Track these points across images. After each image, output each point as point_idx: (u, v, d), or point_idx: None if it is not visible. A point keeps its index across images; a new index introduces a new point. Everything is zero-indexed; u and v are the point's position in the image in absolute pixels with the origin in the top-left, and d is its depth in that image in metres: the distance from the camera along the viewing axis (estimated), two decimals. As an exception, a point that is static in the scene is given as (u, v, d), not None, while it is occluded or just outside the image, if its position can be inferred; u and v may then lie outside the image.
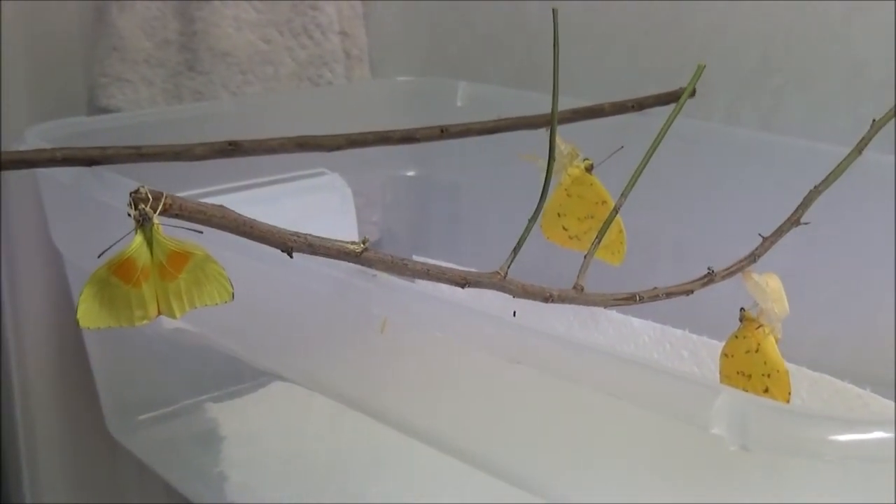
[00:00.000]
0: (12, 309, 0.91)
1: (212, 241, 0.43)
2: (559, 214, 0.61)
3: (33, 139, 0.65)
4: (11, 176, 0.84)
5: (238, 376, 0.79)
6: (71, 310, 0.42)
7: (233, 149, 0.60)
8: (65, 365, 0.94)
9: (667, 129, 0.54)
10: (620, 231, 0.60)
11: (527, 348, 0.41)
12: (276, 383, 0.78)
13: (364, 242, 0.45)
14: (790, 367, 0.51)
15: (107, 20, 0.91)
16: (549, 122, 0.54)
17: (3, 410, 0.96)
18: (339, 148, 0.63)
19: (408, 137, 0.65)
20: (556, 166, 0.59)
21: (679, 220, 0.70)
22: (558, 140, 0.59)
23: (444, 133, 0.65)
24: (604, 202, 0.60)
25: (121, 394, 0.77)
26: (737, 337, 0.53)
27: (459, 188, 0.84)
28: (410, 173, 0.84)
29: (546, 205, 0.58)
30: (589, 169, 0.60)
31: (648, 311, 0.55)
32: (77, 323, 0.42)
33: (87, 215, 0.63)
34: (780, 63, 0.72)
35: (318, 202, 0.75)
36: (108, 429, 0.80)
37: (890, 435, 0.33)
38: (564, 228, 0.62)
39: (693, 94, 0.62)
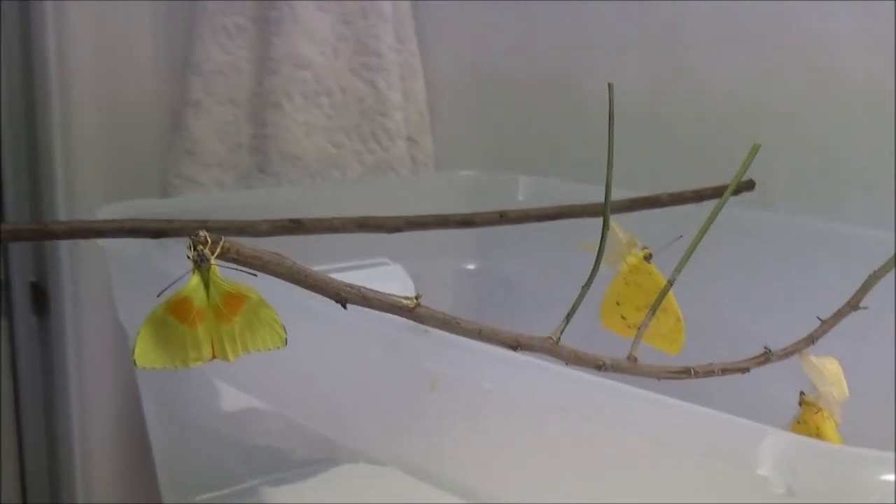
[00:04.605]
0: (79, 387, 0.92)
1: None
2: (618, 303, 0.61)
3: (104, 217, 0.67)
4: (83, 253, 0.86)
5: (298, 461, 0.79)
6: (134, 389, 0.43)
7: (295, 226, 0.62)
8: (126, 444, 0.95)
9: (716, 215, 0.54)
10: (678, 320, 0.59)
11: (577, 398, 0.41)
12: (336, 468, 0.78)
13: (417, 297, 0.46)
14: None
15: (182, 124, 0.94)
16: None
17: (65, 487, 0.96)
18: (398, 229, 0.64)
19: (466, 221, 0.65)
20: (613, 255, 0.59)
21: (736, 307, 0.70)
22: (617, 229, 0.59)
23: (502, 218, 0.66)
24: (662, 291, 0.60)
25: (179, 473, 0.77)
26: (798, 422, 0.52)
27: (520, 281, 0.84)
28: (471, 266, 0.85)
29: (605, 294, 0.58)
30: (647, 258, 0.60)
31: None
32: (134, 363, 0.43)
33: (152, 287, 0.64)
34: (844, 154, 0.73)
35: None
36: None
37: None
38: (623, 317, 0.62)
39: (752, 186, 0.63)
